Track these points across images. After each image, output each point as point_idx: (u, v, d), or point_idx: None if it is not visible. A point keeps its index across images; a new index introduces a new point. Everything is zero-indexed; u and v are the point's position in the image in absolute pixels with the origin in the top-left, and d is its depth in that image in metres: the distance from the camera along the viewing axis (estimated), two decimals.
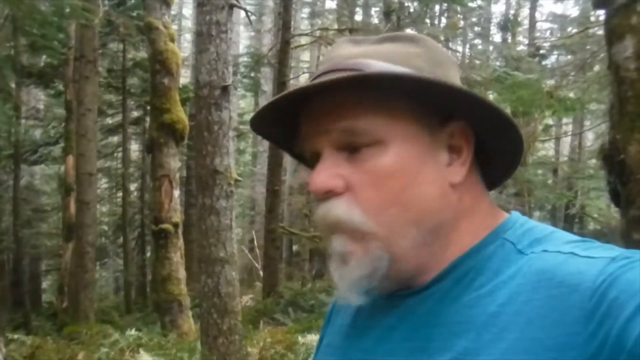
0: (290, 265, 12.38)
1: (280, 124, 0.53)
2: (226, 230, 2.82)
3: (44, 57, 8.68)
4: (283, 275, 10.16)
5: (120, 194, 10.88)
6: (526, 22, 12.99)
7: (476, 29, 12.07)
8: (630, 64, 1.82)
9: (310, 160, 0.51)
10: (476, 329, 0.44)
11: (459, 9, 9.55)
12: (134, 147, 12.46)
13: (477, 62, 9.37)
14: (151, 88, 5.56)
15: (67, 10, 5.29)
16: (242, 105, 16.38)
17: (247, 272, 11.42)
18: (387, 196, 0.47)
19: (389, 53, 0.50)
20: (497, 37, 12.47)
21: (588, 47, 6.69)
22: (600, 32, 2.27)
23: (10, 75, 8.05)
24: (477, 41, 12.64)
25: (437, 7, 10.23)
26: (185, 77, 11.05)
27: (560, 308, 0.41)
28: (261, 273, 8.81)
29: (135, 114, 10.70)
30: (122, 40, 8.96)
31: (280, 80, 7.41)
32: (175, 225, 5.25)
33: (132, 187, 11.50)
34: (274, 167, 7.62)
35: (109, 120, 10.75)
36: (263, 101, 11.67)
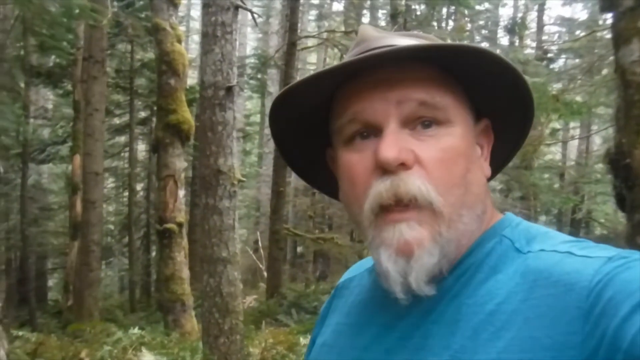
0: (294, 267, 12.39)
1: (303, 111, 0.52)
2: (229, 230, 2.83)
3: (52, 57, 8.77)
4: (287, 277, 10.17)
5: (126, 193, 10.93)
6: (534, 25, 12.93)
7: (483, 32, 12.03)
8: (636, 68, 1.81)
9: (348, 139, 0.49)
10: (474, 328, 0.44)
11: (466, 12, 9.53)
12: (141, 147, 12.54)
13: None
14: (157, 88, 5.59)
15: (76, 11, 5.34)
16: (249, 106, 16.45)
17: (251, 272, 11.43)
18: (454, 176, 0.47)
19: (417, 36, 0.52)
20: (504, 41, 12.42)
21: (596, 50, 6.64)
22: (609, 35, 2.25)
23: (20, 75, 8.15)
24: (484, 44, 12.59)
25: (444, 10, 10.22)
26: (192, 78, 11.12)
27: (557, 307, 0.41)
28: (265, 274, 8.82)
29: (143, 114, 10.76)
30: (130, 41, 9.03)
31: (287, 82, 7.43)
32: (180, 225, 5.27)
33: (139, 186, 11.56)
34: (279, 169, 7.63)
35: (116, 120, 10.82)
36: (269, 103, 11.71)
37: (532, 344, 0.41)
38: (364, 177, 0.47)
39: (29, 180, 9.39)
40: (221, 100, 2.83)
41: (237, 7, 2.90)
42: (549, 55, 9.70)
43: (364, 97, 0.48)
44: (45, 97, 11.97)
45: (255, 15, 3.48)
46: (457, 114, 0.49)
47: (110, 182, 12.14)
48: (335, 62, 0.51)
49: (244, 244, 12.83)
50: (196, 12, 17.62)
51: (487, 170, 0.52)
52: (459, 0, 7.82)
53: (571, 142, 12.57)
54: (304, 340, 3.67)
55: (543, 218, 12.29)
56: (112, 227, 12.22)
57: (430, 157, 0.46)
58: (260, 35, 16.82)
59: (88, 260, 6.41)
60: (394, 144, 0.45)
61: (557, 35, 12.61)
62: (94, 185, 6.50)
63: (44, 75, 8.62)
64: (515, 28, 11.53)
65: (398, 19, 7.17)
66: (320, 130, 0.54)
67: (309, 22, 14.31)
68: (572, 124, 11.50)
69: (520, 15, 12.75)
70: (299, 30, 8.36)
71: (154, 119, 8.43)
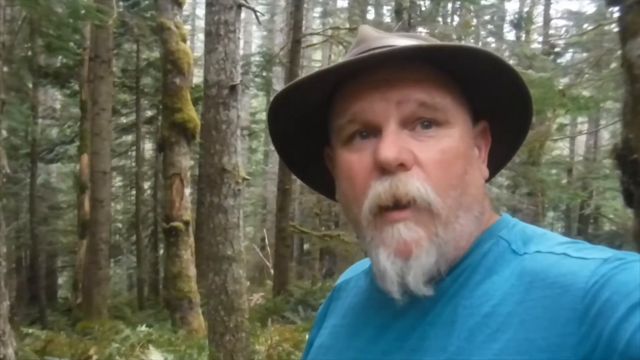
0: (301, 264, 12.41)
1: (301, 110, 0.52)
2: (234, 229, 2.84)
3: (60, 57, 8.84)
4: (293, 274, 10.19)
5: (133, 192, 11.01)
6: (540, 19, 12.79)
7: (489, 27, 11.91)
8: None
9: (347, 139, 0.49)
10: (470, 329, 0.44)
11: (471, 7, 9.45)
12: (148, 146, 12.61)
13: None
14: (163, 88, 5.62)
15: (82, 11, 5.37)
16: (254, 104, 16.46)
17: (258, 270, 11.48)
18: (452, 177, 0.47)
19: (417, 37, 0.53)
20: (510, 35, 12.30)
21: (604, 44, 6.55)
22: (617, 28, 2.23)
23: (28, 76, 8.23)
24: (490, 39, 12.47)
25: (449, 5, 10.14)
26: (198, 76, 11.14)
27: (553, 309, 0.41)
28: (272, 271, 8.85)
29: (149, 113, 10.82)
30: (136, 41, 9.08)
31: (291, 80, 7.40)
32: (186, 223, 5.31)
33: (146, 185, 11.64)
34: (285, 166, 7.60)
35: (123, 120, 10.89)
36: None
37: (528, 346, 0.41)
38: (363, 177, 0.47)
39: (38, 180, 9.50)
40: (225, 99, 2.84)
41: (240, 6, 2.90)
42: (556, 49, 9.59)
43: (363, 97, 0.48)
44: (53, 97, 12.09)
45: (259, 14, 3.48)
46: (456, 115, 0.49)
47: (117, 181, 12.24)
48: (340, 60, 0.51)
49: (251, 242, 12.87)
50: (201, 11, 17.67)
51: (485, 172, 0.52)
52: None
53: (579, 137, 12.44)
54: (308, 336, 3.66)
55: (551, 214, 12.20)
56: (120, 225, 12.32)
57: (429, 158, 0.46)
58: (265, 33, 16.82)
59: (97, 258, 6.48)
60: (393, 144, 0.45)
61: (564, 29, 12.45)
62: (101, 184, 6.56)
63: (52, 75, 8.70)
64: (522, 22, 11.41)
65: (402, 15, 7.13)
66: (318, 129, 0.54)
67: (313, 20, 14.28)
68: (579, 119, 11.38)
69: (526, 9, 12.63)
70: (303, 28, 8.34)
71: (160, 118, 8.48)
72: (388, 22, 9.62)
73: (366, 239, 0.48)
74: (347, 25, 9.71)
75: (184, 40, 5.51)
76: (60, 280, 12.42)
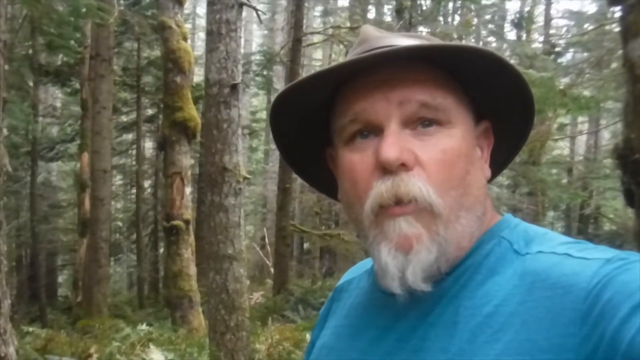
0: (301, 263, 12.42)
1: (304, 109, 0.52)
2: (234, 227, 2.84)
3: (60, 56, 8.84)
4: (293, 273, 10.20)
5: (134, 190, 11.03)
6: (541, 19, 12.77)
7: (490, 26, 11.89)
8: None
9: (349, 138, 0.49)
10: (471, 330, 0.44)
11: (472, 6, 9.44)
12: (148, 145, 12.61)
13: None
14: (164, 86, 5.62)
15: (83, 10, 5.37)
16: (255, 103, 16.45)
17: (258, 269, 11.49)
18: (454, 178, 0.47)
19: (418, 37, 0.53)
20: (511, 35, 12.28)
21: (605, 43, 6.54)
22: (618, 28, 2.22)
23: (28, 74, 8.23)
24: (491, 39, 12.45)
25: (450, 5, 10.12)
26: (199, 75, 11.14)
27: (554, 309, 0.41)
28: (272, 270, 8.86)
29: (150, 111, 10.82)
30: (136, 39, 9.07)
31: (292, 79, 7.43)
32: (186, 222, 5.31)
33: (146, 184, 11.65)
34: (285, 165, 7.63)
35: (124, 118, 10.89)
36: None
37: (530, 347, 0.41)
38: (365, 177, 0.47)
39: (39, 178, 9.50)
40: (226, 97, 2.84)
41: (241, 5, 2.90)
42: (557, 49, 9.57)
43: (365, 97, 0.48)
44: (54, 96, 12.07)
45: (260, 13, 3.47)
46: (458, 115, 0.49)
47: (118, 180, 12.25)
48: (341, 59, 0.51)
49: (251, 241, 12.88)
50: (202, 9, 17.65)
51: (487, 172, 0.52)
52: None
53: (579, 137, 12.43)
54: (310, 337, 3.67)
55: (551, 214, 12.20)
56: (120, 224, 12.33)
57: (430, 158, 0.46)
58: (265, 32, 16.81)
59: (97, 256, 6.48)
60: (395, 144, 0.45)
61: (565, 28, 12.43)
62: (102, 183, 6.57)
63: (52, 73, 8.69)
64: (523, 22, 11.39)
65: (404, 15, 7.12)
66: (320, 129, 0.54)
67: (314, 18, 14.27)
68: (580, 119, 11.37)
69: (527, 9, 12.61)
70: (304, 27, 8.34)
71: (161, 117, 8.48)
72: (389, 21, 9.60)
73: (368, 238, 0.48)
74: (348, 24, 9.70)
75: (185, 39, 5.51)
76: (60, 279, 12.43)
